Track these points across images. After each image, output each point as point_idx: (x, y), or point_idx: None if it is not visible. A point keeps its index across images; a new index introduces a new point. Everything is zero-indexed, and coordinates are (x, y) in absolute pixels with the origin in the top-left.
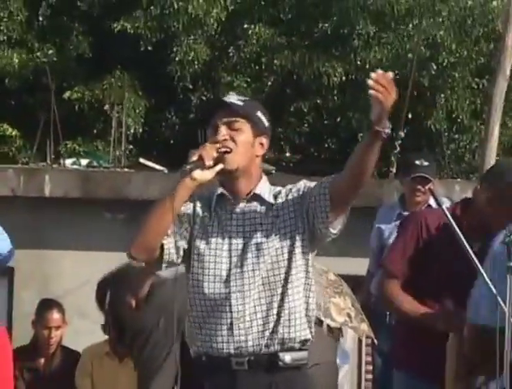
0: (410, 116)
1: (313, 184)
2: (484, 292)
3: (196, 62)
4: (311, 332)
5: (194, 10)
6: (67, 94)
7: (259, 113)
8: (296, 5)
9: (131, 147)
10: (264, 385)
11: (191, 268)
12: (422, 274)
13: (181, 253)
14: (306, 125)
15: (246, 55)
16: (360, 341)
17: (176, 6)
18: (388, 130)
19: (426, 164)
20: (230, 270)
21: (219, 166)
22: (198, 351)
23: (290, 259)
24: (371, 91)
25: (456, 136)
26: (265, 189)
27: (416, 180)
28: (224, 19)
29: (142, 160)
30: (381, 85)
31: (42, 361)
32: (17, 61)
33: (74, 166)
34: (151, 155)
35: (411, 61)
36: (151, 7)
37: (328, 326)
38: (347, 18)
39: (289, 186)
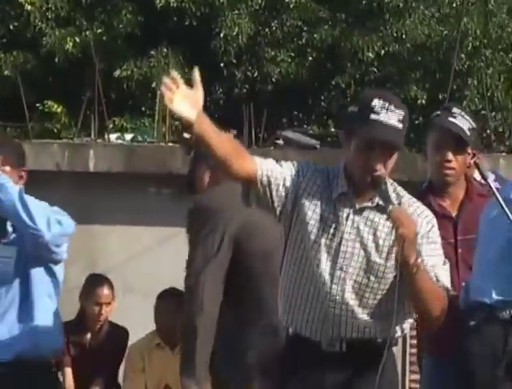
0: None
1: (430, 252)
2: None
3: (240, 37)
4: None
5: None
6: (117, 72)
7: (405, 130)
8: None
9: (177, 123)
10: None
11: (293, 249)
12: None
13: (273, 192)
14: (349, 98)
15: (289, 29)
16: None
17: None
18: (420, 261)
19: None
20: (334, 270)
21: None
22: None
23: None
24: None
25: (493, 114)
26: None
27: None
28: None
29: (186, 135)
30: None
31: (89, 335)
32: (66, 39)
33: (119, 141)
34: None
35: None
36: None
37: None
38: None
39: (412, 209)
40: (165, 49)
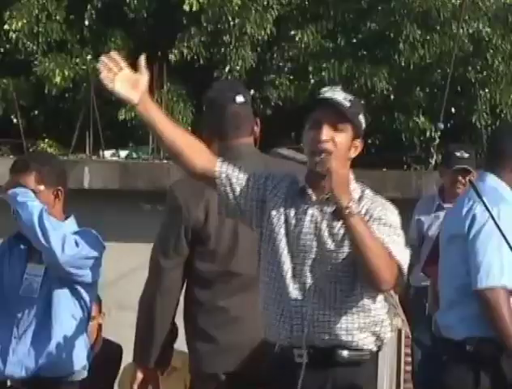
0: (453, 110)
1: (382, 231)
2: None
3: (243, 70)
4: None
5: (249, 26)
6: (121, 115)
7: (361, 116)
8: (339, 5)
9: None
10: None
11: (262, 255)
12: None
13: (236, 192)
14: None
15: (291, 60)
16: (399, 332)
17: (232, 22)
18: (355, 208)
19: (467, 155)
20: (296, 264)
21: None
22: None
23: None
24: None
25: None
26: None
27: (456, 171)
28: (272, 30)
29: None
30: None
31: None
32: (56, 66)
33: (114, 158)
34: None
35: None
36: (206, 24)
37: None
38: (393, 20)
39: (372, 204)
40: (168, 85)
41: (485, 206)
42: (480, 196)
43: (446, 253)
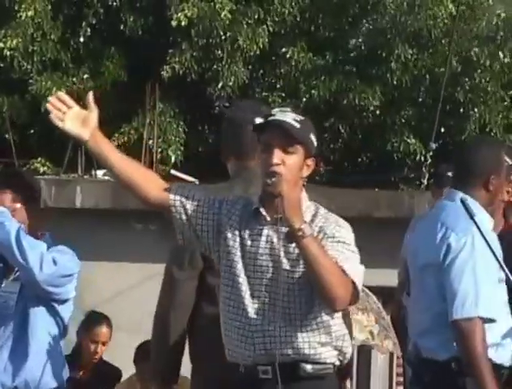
0: (442, 130)
1: (335, 248)
2: None
3: (236, 86)
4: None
5: (241, 40)
6: (115, 140)
7: (312, 135)
8: (328, 21)
9: (154, 159)
10: None
11: (221, 278)
12: None
13: (192, 219)
14: (341, 142)
15: (283, 77)
16: (391, 356)
17: (223, 36)
18: (308, 230)
19: None
20: (254, 285)
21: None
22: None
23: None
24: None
25: None
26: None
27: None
28: (264, 46)
29: (173, 172)
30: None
31: (81, 372)
32: (53, 85)
33: (106, 177)
34: (181, 168)
35: (443, 76)
36: (197, 38)
37: None
38: (384, 39)
39: (325, 222)
40: (161, 105)
41: (477, 226)
42: (471, 216)
43: (421, 280)
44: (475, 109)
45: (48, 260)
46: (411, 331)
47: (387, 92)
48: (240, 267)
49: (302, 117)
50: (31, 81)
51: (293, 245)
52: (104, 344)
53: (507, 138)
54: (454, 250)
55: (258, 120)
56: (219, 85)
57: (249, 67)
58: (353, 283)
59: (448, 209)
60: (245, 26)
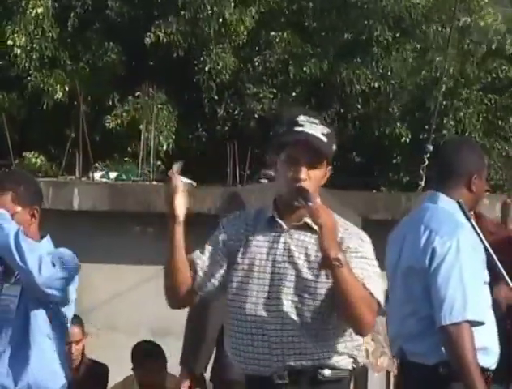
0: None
1: (359, 266)
2: None
3: (224, 72)
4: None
5: (228, 16)
6: (107, 122)
7: (334, 145)
8: (318, 13)
9: (159, 163)
10: None
11: (230, 289)
12: None
13: (218, 280)
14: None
15: (272, 65)
16: (387, 374)
17: (210, 11)
18: (344, 260)
19: None
20: (272, 293)
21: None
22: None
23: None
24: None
25: None
26: None
27: None
28: (251, 28)
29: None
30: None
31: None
32: (53, 85)
33: (103, 179)
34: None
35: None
36: (183, 12)
37: None
38: (366, 25)
39: (347, 233)
40: (151, 89)
41: (473, 227)
42: (468, 218)
43: (405, 284)
44: (450, 116)
45: (47, 262)
46: (394, 336)
47: (373, 79)
48: (256, 275)
49: (328, 129)
50: (29, 78)
51: (314, 253)
52: (77, 343)
53: (487, 142)
54: (440, 254)
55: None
56: (207, 68)
57: (238, 55)
58: (378, 302)
59: (431, 211)
60: (233, 5)
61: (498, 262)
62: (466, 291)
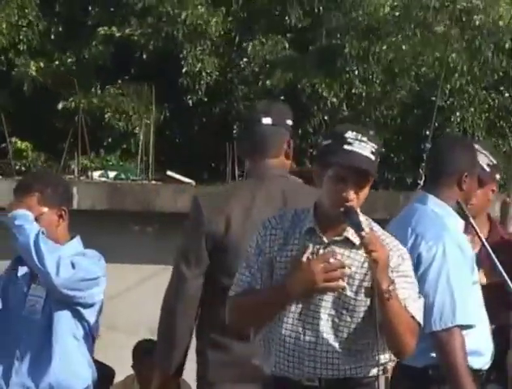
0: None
1: (401, 286)
2: None
3: (205, 74)
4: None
5: (194, 19)
6: (106, 119)
7: (378, 159)
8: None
9: (150, 160)
10: None
11: None
12: None
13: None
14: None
15: (255, 69)
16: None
17: (171, 14)
18: (394, 292)
19: None
20: (310, 304)
21: None
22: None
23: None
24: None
25: None
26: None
27: None
28: (224, 31)
29: (169, 173)
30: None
31: None
32: (29, 64)
33: (102, 179)
34: (176, 168)
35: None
36: (146, 17)
37: None
38: (336, 39)
39: (388, 250)
40: (140, 87)
41: (473, 226)
42: (466, 217)
43: None
44: (457, 114)
45: (65, 264)
46: None
47: (348, 86)
48: None
49: (377, 146)
50: (16, 69)
51: (354, 269)
52: None
53: (489, 140)
54: (426, 260)
55: (266, 120)
56: (183, 70)
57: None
58: (419, 324)
59: (419, 213)
60: (200, 7)
61: (498, 263)
62: (454, 295)
